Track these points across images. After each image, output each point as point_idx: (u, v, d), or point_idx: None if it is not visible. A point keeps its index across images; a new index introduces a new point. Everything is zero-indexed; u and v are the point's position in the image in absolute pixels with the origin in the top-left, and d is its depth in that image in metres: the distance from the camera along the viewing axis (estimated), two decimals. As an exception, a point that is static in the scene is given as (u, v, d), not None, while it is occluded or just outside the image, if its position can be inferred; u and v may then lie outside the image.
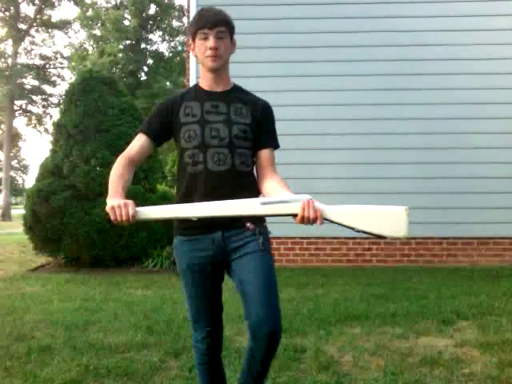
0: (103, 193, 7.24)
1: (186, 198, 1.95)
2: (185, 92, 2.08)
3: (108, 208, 1.77)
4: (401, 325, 3.86)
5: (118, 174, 1.92)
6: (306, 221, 1.72)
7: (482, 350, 3.26)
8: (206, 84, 2.01)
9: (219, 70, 1.97)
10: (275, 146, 2.05)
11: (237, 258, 1.91)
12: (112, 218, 1.77)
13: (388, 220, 1.76)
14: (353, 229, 1.77)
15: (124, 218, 1.74)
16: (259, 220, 1.95)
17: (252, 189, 1.98)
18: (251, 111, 1.99)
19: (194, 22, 1.97)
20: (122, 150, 2.04)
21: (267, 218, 1.96)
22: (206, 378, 2.10)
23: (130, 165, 1.97)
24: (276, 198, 1.79)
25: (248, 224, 1.91)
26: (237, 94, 2.01)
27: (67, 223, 6.93)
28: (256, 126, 1.98)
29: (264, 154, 2.01)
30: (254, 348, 1.86)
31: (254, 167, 2.03)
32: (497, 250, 7.00)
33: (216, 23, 1.92)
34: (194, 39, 1.97)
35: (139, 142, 2.00)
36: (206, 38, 1.92)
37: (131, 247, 7.06)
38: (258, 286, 1.84)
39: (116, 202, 1.76)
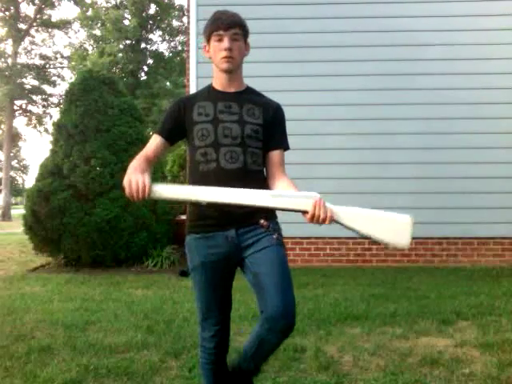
0: (103, 193, 7.28)
1: None
2: (198, 92, 2.11)
3: (125, 182, 1.80)
4: (401, 325, 3.87)
5: (140, 158, 1.96)
6: (315, 219, 1.77)
7: (482, 350, 3.26)
8: (219, 85, 2.04)
9: (233, 71, 2.00)
10: (285, 147, 2.08)
11: (251, 254, 1.93)
12: (127, 192, 1.79)
13: (393, 228, 1.76)
14: (357, 232, 1.78)
15: (140, 194, 1.78)
16: (272, 217, 1.98)
17: (263, 187, 2.00)
18: (263, 112, 2.02)
19: (209, 24, 2.00)
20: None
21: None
22: (210, 378, 2.09)
23: (147, 161, 2.00)
24: (287, 193, 1.84)
25: (262, 221, 1.94)
26: (249, 96, 2.05)
27: (67, 223, 6.93)
28: (267, 127, 2.01)
29: (274, 154, 2.04)
30: (265, 339, 1.88)
31: (264, 167, 2.05)
32: (497, 250, 7.00)
33: (230, 25, 1.95)
34: (208, 41, 2.01)
35: (154, 142, 2.05)
36: (220, 40, 1.96)
37: (131, 247, 7.06)
38: (275, 278, 1.85)
39: (134, 177, 1.80)
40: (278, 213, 1.97)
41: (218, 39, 1.96)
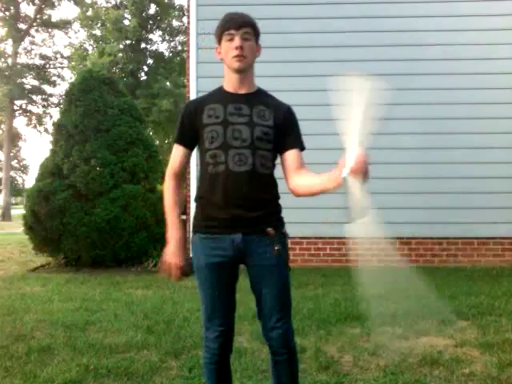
0: (103, 193, 7.28)
1: (206, 197, 1.99)
2: (209, 94, 2.10)
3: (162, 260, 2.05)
4: (401, 325, 3.86)
5: (171, 200, 2.05)
6: (360, 173, 1.84)
7: (482, 350, 3.26)
8: (230, 86, 2.03)
9: (244, 71, 1.99)
10: (301, 147, 2.06)
11: (254, 266, 1.97)
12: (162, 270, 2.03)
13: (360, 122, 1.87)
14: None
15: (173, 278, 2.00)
16: (279, 225, 2.00)
17: (271, 190, 2.01)
18: (273, 115, 2.01)
19: (220, 24, 2.00)
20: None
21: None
22: (213, 379, 2.09)
23: (177, 180, 2.07)
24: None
25: (269, 229, 1.95)
26: (260, 97, 2.04)
27: (67, 223, 6.93)
28: (278, 130, 2.00)
29: (291, 154, 2.01)
30: (274, 359, 2.00)
31: (274, 170, 2.04)
32: (497, 250, 6.99)
33: (241, 24, 1.96)
34: (219, 42, 2.00)
35: (176, 154, 2.07)
36: (231, 39, 1.95)
37: (131, 247, 7.06)
38: (272, 303, 1.96)
39: (168, 255, 2.02)
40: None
41: (230, 39, 1.95)
